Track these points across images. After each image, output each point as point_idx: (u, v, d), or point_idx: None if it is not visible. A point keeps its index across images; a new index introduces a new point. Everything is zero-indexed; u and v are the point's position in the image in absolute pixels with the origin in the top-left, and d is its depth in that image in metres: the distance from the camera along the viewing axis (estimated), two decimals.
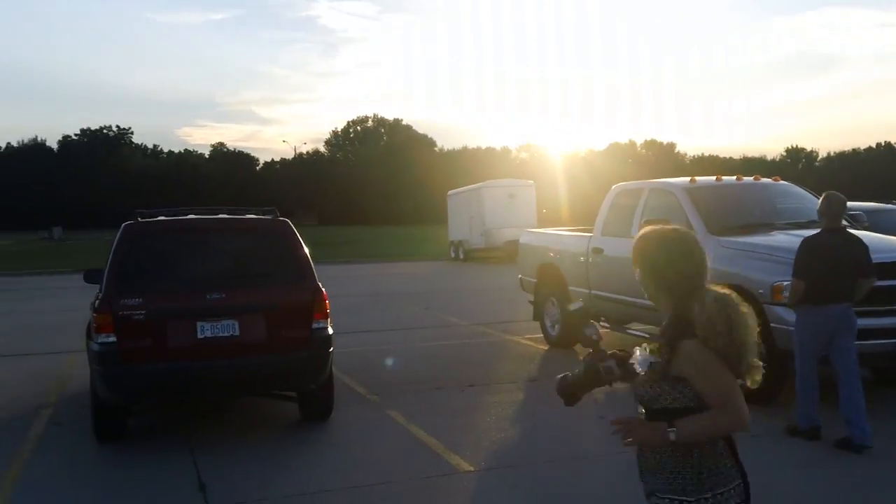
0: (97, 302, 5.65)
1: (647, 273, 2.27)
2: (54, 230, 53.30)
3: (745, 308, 2.16)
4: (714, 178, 8.27)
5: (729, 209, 7.66)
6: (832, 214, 5.56)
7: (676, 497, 2.14)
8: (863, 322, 5.62)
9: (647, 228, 2.35)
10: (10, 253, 33.76)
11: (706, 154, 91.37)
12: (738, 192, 8.09)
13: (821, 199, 5.74)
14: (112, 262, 5.80)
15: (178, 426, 6.39)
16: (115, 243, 5.95)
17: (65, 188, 78.05)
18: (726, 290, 2.18)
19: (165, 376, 5.56)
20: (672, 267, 2.22)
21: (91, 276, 6.71)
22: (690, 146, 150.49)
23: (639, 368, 2.25)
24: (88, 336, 5.90)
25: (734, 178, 8.37)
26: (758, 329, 2.19)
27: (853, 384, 5.37)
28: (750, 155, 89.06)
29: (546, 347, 9.61)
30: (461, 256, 28.09)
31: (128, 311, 5.48)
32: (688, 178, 8.18)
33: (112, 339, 5.44)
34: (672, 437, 2.11)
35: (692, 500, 2.14)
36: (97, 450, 5.74)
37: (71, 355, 9.38)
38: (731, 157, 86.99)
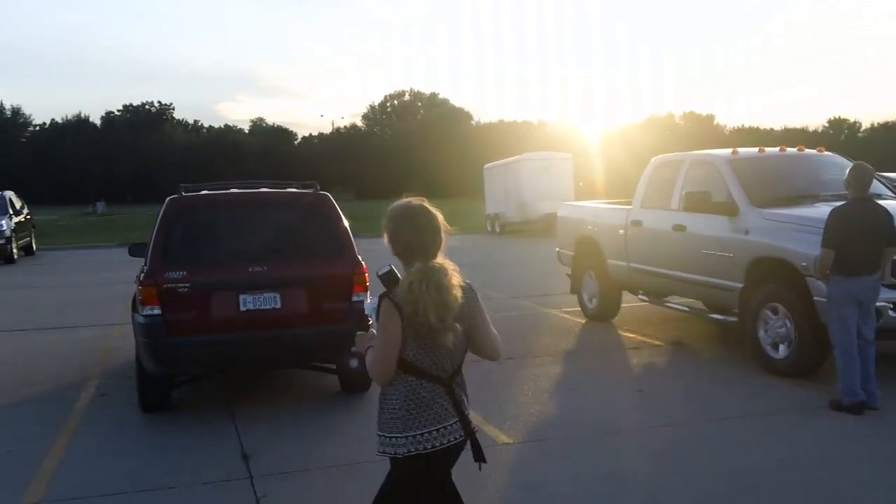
0: (142, 275, 5.78)
1: (387, 239, 2.66)
2: (98, 205, 54.49)
3: (448, 280, 2.55)
4: (757, 149, 8.09)
5: (772, 181, 7.50)
6: (860, 185, 5.59)
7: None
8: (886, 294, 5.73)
9: (397, 201, 2.71)
10: (55, 227, 34.61)
11: (746, 126, 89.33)
12: (782, 164, 7.90)
13: (848, 170, 5.75)
14: (156, 236, 5.91)
15: (221, 397, 6.54)
16: (159, 217, 6.05)
17: (108, 163, 79.57)
18: (439, 262, 2.58)
19: (209, 348, 5.68)
20: (400, 236, 2.62)
21: (135, 250, 6.87)
22: (730, 118, 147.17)
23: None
24: (134, 309, 6.04)
25: (777, 148, 8.17)
26: (455, 299, 2.56)
27: (868, 351, 5.55)
28: (791, 126, 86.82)
29: (584, 321, 9.57)
30: (497, 230, 28.01)
31: (172, 284, 5.59)
32: (730, 150, 8.01)
33: (157, 311, 5.56)
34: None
35: (377, 433, 2.68)
36: (142, 420, 5.90)
37: (115, 328, 9.63)
38: (772, 129, 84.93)
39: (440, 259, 2.61)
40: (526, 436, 5.29)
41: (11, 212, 20.37)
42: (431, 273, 2.53)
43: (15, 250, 19.67)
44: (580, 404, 6.08)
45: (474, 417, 5.56)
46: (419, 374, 2.58)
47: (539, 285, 12.85)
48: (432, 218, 2.65)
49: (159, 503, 4.30)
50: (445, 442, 2.61)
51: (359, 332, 2.77)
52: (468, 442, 2.71)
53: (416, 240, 2.60)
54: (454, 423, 2.63)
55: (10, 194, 21.68)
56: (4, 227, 19.23)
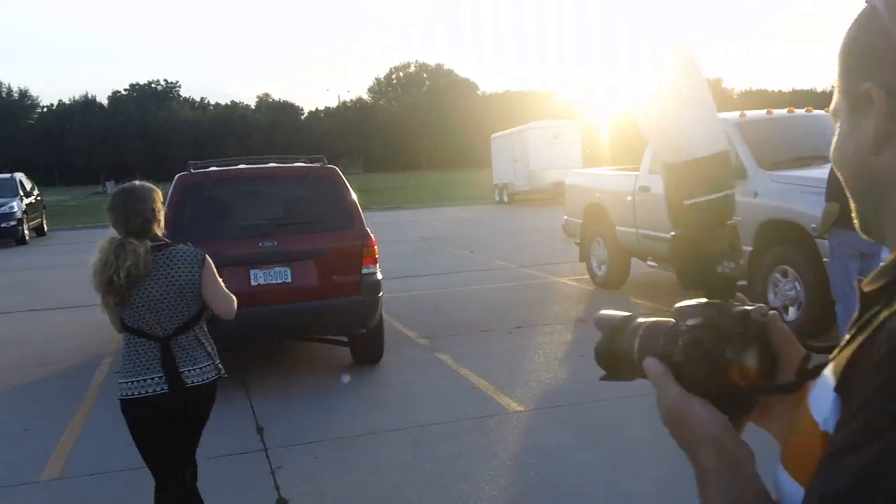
0: None
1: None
2: (107, 184, 54.59)
3: (126, 254, 2.98)
4: (765, 111, 8.00)
5: (780, 143, 7.43)
6: None
7: None
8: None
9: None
10: (66, 207, 34.78)
11: (754, 89, 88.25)
12: (790, 125, 7.83)
13: None
14: (166, 213, 5.92)
15: (234, 371, 6.59)
16: (169, 194, 6.07)
17: (116, 143, 79.69)
18: (123, 239, 3.04)
19: (222, 323, 5.71)
20: (108, 213, 3.15)
21: None
22: (738, 81, 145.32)
23: None
24: None
25: (785, 110, 8.08)
26: (128, 272, 2.96)
27: None
28: (800, 88, 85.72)
29: (593, 288, 9.57)
30: (506, 199, 27.93)
31: None
32: (737, 113, 7.93)
33: None
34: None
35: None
36: None
37: None
38: (780, 91, 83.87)
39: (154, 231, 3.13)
40: (537, 403, 5.33)
41: (22, 193, 20.43)
42: (107, 248, 3.00)
43: (27, 231, 19.79)
44: (590, 371, 6.05)
45: (484, 386, 5.65)
46: (132, 332, 3.07)
47: (548, 254, 12.84)
48: (127, 197, 3.11)
49: None
50: (146, 392, 3.03)
51: None
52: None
53: (111, 217, 3.10)
54: (158, 376, 3.04)
55: (20, 176, 21.75)
56: (15, 209, 19.32)
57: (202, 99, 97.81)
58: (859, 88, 0.72)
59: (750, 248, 6.90)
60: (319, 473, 4.29)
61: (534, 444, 4.62)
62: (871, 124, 0.71)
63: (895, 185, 0.72)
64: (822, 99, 71.88)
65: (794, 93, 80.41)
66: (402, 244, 15.42)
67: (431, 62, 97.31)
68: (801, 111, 8.04)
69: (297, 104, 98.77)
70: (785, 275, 6.56)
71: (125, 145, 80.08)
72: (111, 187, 55.92)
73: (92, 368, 6.83)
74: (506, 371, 6.09)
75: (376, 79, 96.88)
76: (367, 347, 6.47)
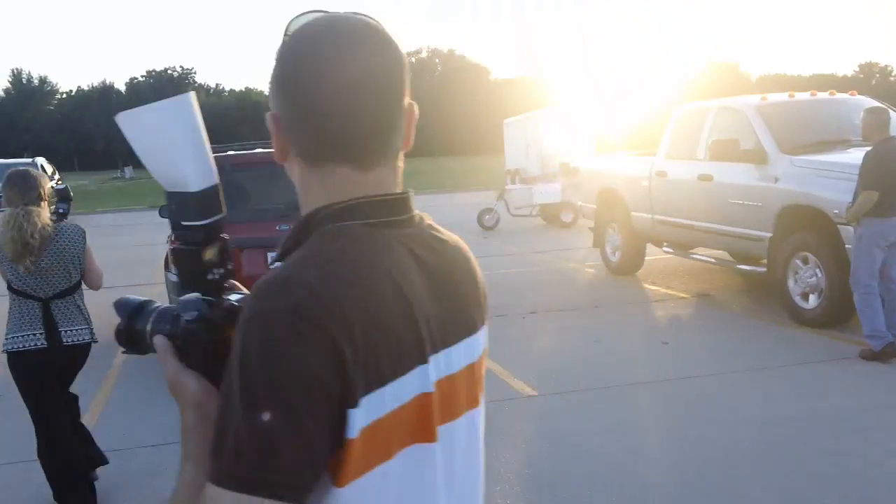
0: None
1: None
2: (125, 170, 54.95)
3: (28, 222, 3.52)
4: (786, 94, 7.92)
5: (802, 126, 7.35)
6: (883, 126, 5.62)
7: None
8: None
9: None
10: (86, 192, 35.05)
11: (773, 73, 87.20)
12: (812, 109, 7.74)
13: (866, 115, 5.74)
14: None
15: None
16: None
17: None
18: (27, 208, 3.56)
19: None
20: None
21: (165, 212, 6.98)
22: (756, 66, 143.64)
23: None
24: (167, 268, 6.15)
25: (808, 93, 8.00)
26: (33, 238, 3.53)
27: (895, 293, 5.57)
28: (820, 72, 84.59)
29: (607, 274, 9.56)
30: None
31: None
32: (758, 96, 7.86)
33: None
34: None
35: None
36: None
37: (147, 287, 9.81)
38: (799, 75, 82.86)
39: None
40: (550, 388, 5.35)
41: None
42: (13, 217, 3.48)
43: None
44: (604, 357, 6.12)
45: (498, 370, 5.66)
46: (16, 293, 3.57)
47: (561, 240, 12.82)
48: (22, 176, 3.63)
49: None
50: (28, 346, 3.54)
51: None
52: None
53: (8, 194, 3.57)
54: (40, 332, 3.57)
55: (41, 161, 21.92)
56: None
57: (217, 85, 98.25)
58: None
59: (770, 235, 6.86)
60: None
61: (547, 429, 4.64)
62: None
63: None
64: (843, 83, 70.99)
65: (815, 77, 79.41)
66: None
67: (443, 48, 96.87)
68: (823, 94, 7.96)
69: None
70: (805, 261, 6.52)
71: None
72: (129, 172, 56.32)
73: (112, 349, 6.89)
74: (519, 356, 6.11)
75: None
76: None
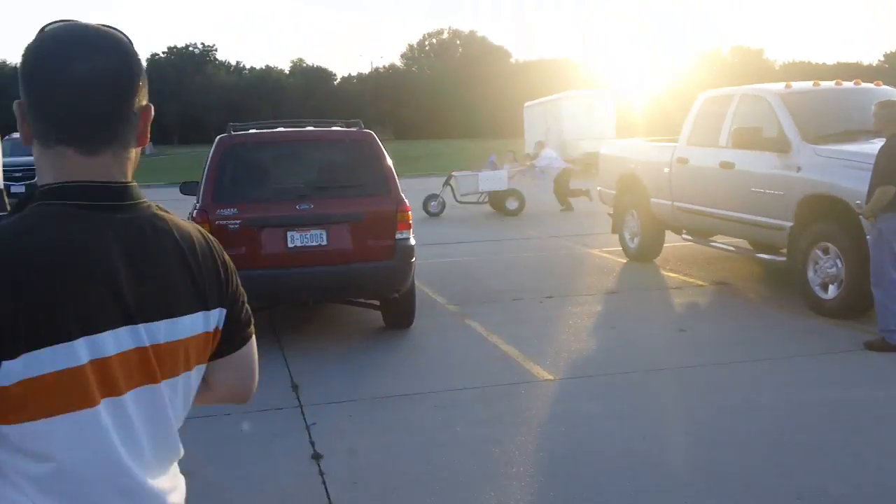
0: (195, 212, 5.92)
1: None
2: (146, 146, 55.38)
3: None
4: (811, 82, 7.82)
5: (827, 116, 7.27)
6: (894, 119, 5.54)
7: None
8: None
9: None
10: None
11: (797, 61, 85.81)
12: (837, 98, 7.64)
13: (879, 108, 5.65)
14: (207, 174, 6.03)
15: (270, 331, 6.74)
16: (209, 156, 6.16)
17: (154, 106, 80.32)
18: None
19: (259, 282, 5.81)
20: None
21: (187, 188, 7.04)
22: (780, 53, 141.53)
23: None
24: None
25: (833, 82, 7.90)
26: None
27: None
28: (845, 61, 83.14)
29: (625, 260, 9.53)
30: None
31: (224, 221, 5.73)
32: (782, 84, 7.77)
33: None
34: None
35: None
36: None
37: None
38: (824, 63, 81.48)
39: None
40: (566, 373, 5.37)
41: None
42: None
43: None
44: (621, 343, 6.12)
45: (514, 354, 5.70)
46: None
47: (580, 225, 12.79)
48: None
49: (217, 428, 4.50)
50: None
51: None
52: None
53: None
54: None
55: None
56: None
57: (237, 63, 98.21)
58: None
59: (790, 224, 6.81)
60: (353, 431, 4.39)
61: (563, 413, 4.67)
62: None
63: None
64: (868, 73, 69.81)
65: (840, 66, 78.06)
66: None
67: (465, 29, 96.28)
68: (848, 84, 7.85)
69: (330, 69, 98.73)
70: (826, 252, 6.47)
71: (162, 108, 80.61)
72: (150, 149, 56.70)
73: None
74: (536, 340, 6.13)
75: (409, 45, 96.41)
76: (399, 312, 6.55)
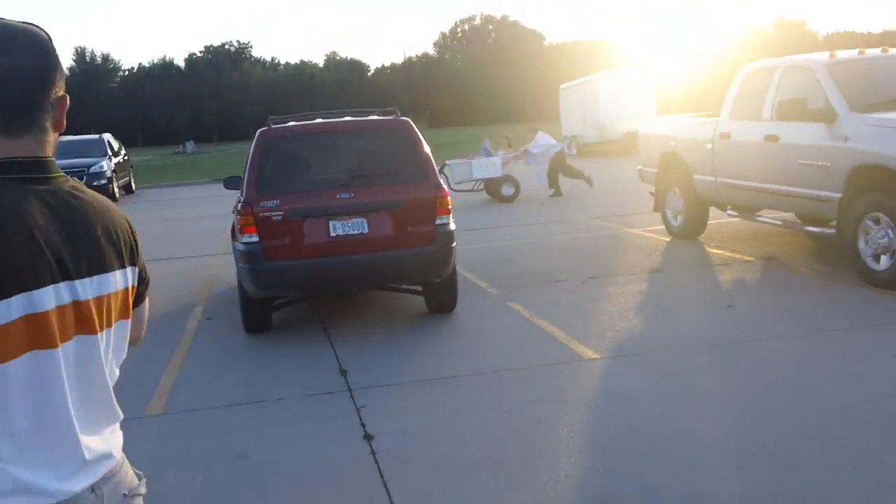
0: (239, 205, 6.04)
1: None
2: (187, 144, 56.28)
3: None
4: (856, 51, 7.61)
5: (874, 84, 7.07)
6: None
7: None
8: None
9: None
10: (150, 167, 36.12)
11: (841, 31, 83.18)
12: (884, 66, 7.42)
13: None
14: (250, 167, 6.15)
15: (316, 319, 6.85)
16: (251, 149, 6.27)
17: (194, 104, 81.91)
18: None
19: (303, 272, 5.94)
20: None
21: (230, 183, 7.17)
22: (823, 24, 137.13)
23: None
24: (233, 237, 6.34)
25: (879, 49, 7.67)
26: None
27: None
28: (891, 29, 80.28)
29: (668, 239, 9.43)
30: (575, 151, 27.51)
31: (267, 213, 5.84)
32: (827, 53, 7.58)
33: (255, 238, 5.84)
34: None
35: None
36: (246, 341, 6.26)
37: (215, 258, 10.14)
38: (869, 32, 78.81)
39: None
40: (612, 351, 5.35)
41: (110, 153, 21.30)
42: None
43: (116, 189, 20.67)
44: (667, 321, 6.07)
45: (558, 334, 5.70)
46: None
47: (621, 205, 12.66)
48: None
49: (269, 412, 4.62)
50: None
51: None
52: None
53: None
54: None
55: (107, 136, 22.66)
56: (105, 168, 20.18)
57: (273, 59, 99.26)
58: None
59: (839, 195, 6.66)
60: (402, 413, 4.46)
61: (610, 391, 4.66)
62: None
63: None
64: None
65: (886, 34, 75.42)
66: (471, 196, 15.50)
67: (497, 14, 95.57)
68: (895, 50, 7.62)
69: (363, 61, 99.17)
70: (877, 222, 6.31)
71: (201, 106, 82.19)
72: (191, 147, 57.65)
73: (185, 314, 7.20)
74: (579, 320, 6.12)
75: (441, 33, 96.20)
76: (441, 296, 6.59)
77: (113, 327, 1.40)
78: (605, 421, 4.19)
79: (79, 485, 1.31)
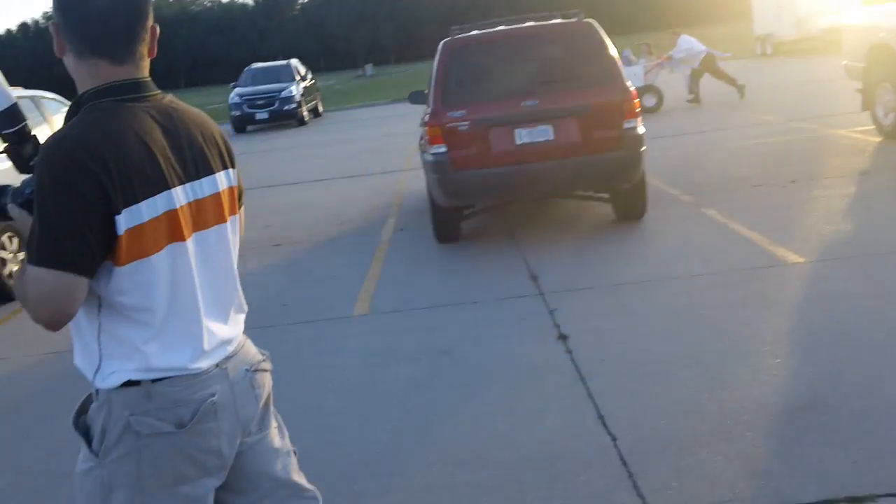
0: (427, 118, 6.24)
1: None
2: (366, 68, 57.97)
3: None
4: None
5: None
6: None
7: None
8: None
9: None
10: (334, 91, 37.79)
11: None
12: None
13: None
14: (435, 80, 6.29)
15: (504, 228, 7.02)
16: (436, 61, 6.40)
17: (371, 26, 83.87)
18: None
19: (490, 180, 6.07)
20: None
21: (415, 97, 7.41)
22: None
23: None
24: (422, 149, 6.59)
25: None
26: None
27: None
28: None
29: (879, 139, 8.55)
30: (769, 51, 25.19)
31: (454, 123, 5.99)
32: None
33: (443, 149, 6.03)
34: None
35: None
36: (438, 250, 6.56)
37: (402, 173, 10.58)
38: None
39: None
40: (819, 255, 5.04)
41: (298, 78, 22.47)
42: None
43: (305, 113, 21.89)
44: (879, 223, 5.59)
45: (758, 239, 5.47)
46: None
47: (822, 106, 11.57)
48: None
49: (466, 314, 4.87)
50: None
51: None
52: None
53: None
54: None
55: (295, 62, 23.89)
56: (294, 93, 21.35)
57: None
58: None
59: None
60: (595, 315, 4.53)
61: (818, 293, 4.43)
62: None
63: None
64: None
65: None
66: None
67: None
68: None
69: None
70: None
71: (379, 28, 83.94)
72: (370, 70, 59.36)
73: (379, 226, 7.66)
74: (781, 224, 5.79)
75: None
76: (630, 203, 6.48)
77: (230, 221, 1.62)
78: (813, 322, 4.01)
79: (206, 362, 1.52)
